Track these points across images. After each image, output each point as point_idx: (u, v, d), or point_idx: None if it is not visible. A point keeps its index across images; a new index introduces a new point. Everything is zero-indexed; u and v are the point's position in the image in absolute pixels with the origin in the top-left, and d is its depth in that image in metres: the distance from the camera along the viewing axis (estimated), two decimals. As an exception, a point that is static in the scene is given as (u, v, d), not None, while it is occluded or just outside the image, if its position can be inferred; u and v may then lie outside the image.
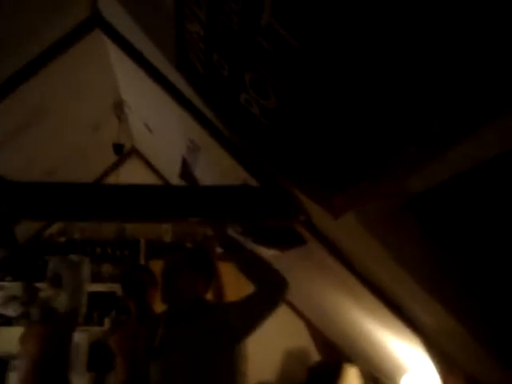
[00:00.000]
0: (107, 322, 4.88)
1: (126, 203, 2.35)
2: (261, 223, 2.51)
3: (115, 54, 3.29)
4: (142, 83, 3.36)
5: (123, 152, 4.15)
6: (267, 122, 1.69)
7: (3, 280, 4.93)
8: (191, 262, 2.26)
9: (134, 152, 5.40)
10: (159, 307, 2.80)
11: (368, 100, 1.19)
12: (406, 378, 2.88)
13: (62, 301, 3.22)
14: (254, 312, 2.04)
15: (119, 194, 2.37)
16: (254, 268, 2.12)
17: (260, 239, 3.35)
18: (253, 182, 2.57)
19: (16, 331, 4.84)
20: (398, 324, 2.55)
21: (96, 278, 5.02)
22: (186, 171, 3.77)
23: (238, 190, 2.42)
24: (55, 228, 5.24)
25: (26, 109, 3.09)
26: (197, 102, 2.54)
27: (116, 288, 4.82)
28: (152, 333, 2.26)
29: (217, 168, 3.06)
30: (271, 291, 2.05)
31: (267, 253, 3.69)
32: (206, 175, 3.42)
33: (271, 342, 4.42)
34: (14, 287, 5.00)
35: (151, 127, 4.06)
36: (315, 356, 4.80)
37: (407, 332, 2.57)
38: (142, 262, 4.98)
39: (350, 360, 4.14)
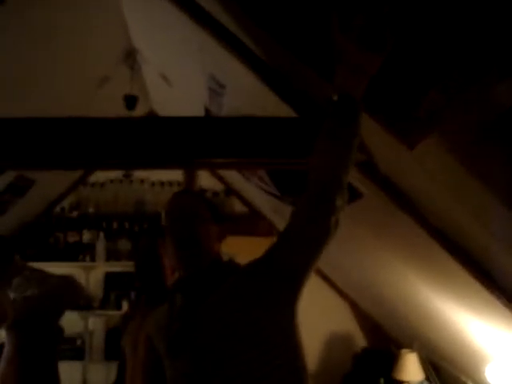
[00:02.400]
0: (125, 306, 4.38)
1: (131, 142, 1.81)
2: (301, 165, 1.91)
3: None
4: (155, 18, 2.83)
5: (135, 106, 3.59)
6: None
7: (11, 259, 4.48)
8: (212, 208, 1.57)
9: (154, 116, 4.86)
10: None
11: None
12: (491, 368, 2.27)
13: None
14: (309, 234, 1.33)
15: (124, 131, 1.82)
16: (336, 169, 1.33)
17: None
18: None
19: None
20: (484, 296, 1.95)
21: (112, 255, 4.53)
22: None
23: (270, 122, 1.83)
24: (67, 202, 4.75)
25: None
26: (221, 16, 1.98)
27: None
28: (163, 325, 1.53)
29: (246, 107, 2.48)
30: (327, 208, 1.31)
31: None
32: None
33: (311, 327, 3.88)
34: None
35: (169, 77, 3.50)
36: (361, 342, 4.42)
37: (496, 306, 1.96)
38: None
39: (402, 346, 3.58)
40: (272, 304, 1.36)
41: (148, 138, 1.82)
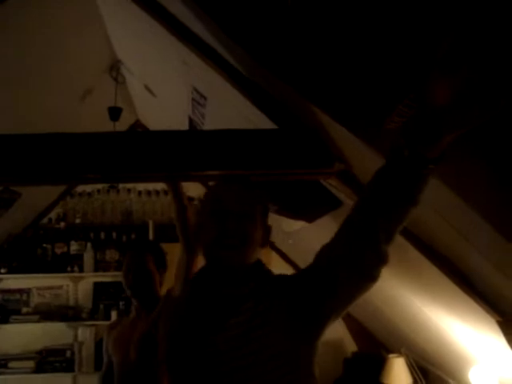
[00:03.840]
0: (114, 316, 4.37)
1: (112, 155, 1.81)
2: (283, 176, 1.93)
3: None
4: (137, 30, 2.85)
5: (119, 118, 3.59)
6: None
7: (-2, 272, 4.47)
8: (265, 202, 1.43)
9: (139, 126, 4.87)
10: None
11: None
12: (475, 371, 2.29)
13: None
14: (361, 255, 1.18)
15: (109, 145, 1.83)
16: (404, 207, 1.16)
17: (284, 206, 2.81)
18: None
19: (15, 329, 4.45)
20: (465, 300, 1.97)
21: (100, 266, 4.53)
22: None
23: (251, 134, 1.85)
24: (54, 213, 4.74)
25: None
26: (201, 31, 1.99)
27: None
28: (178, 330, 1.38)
29: (227, 118, 2.50)
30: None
31: (291, 227, 3.15)
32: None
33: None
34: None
35: (152, 88, 3.51)
36: (351, 346, 4.44)
37: (477, 311, 1.98)
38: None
39: (391, 350, 3.60)
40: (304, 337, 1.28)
41: (132, 152, 1.83)
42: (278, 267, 4.58)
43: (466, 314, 2.14)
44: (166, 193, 4.53)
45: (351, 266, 1.19)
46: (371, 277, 1.20)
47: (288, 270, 4.47)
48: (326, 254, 1.26)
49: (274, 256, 4.63)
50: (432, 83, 0.90)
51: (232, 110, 2.32)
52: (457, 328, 2.34)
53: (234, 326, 1.24)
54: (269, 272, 1.41)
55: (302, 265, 4.12)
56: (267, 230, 1.41)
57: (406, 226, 1.78)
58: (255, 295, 1.29)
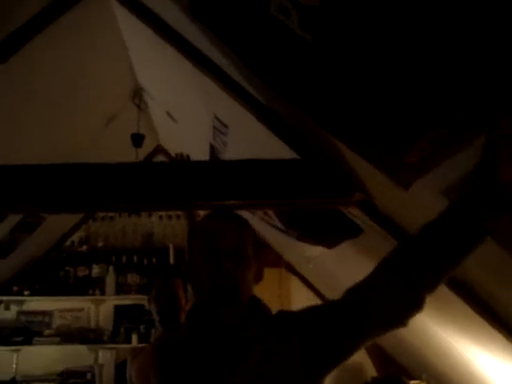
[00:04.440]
0: (135, 339, 4.39)
1: (135, 185, 1.86)
2: (304, 205, 1.96)
3: (125, 25, 2.83)
4: (159, 58, 2.92)
5: (142, 144, 3.66)
6: (310, 37, 1.16)
7: (22, 294, 4.53)
8: (255, 236, 1.35)
9: (161, 151, 4.94)
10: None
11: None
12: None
13: None
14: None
15: (127, 175, 1.88)
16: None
17: (305, 232, 2.83)
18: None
19: (37, 350, 4.50)
20: (490, 332, 1.96)
21: (122, 289, 4.58)
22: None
23: (273, 164, 1.89)
24: (76, 237, 4.81)
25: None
26: (223, 63, 2.04)
27: (144, 300, 4.33)
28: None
29: (249, 147, 2.54)
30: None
31: (312, 252, 3.16)
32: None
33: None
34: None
35: (174, 115, 3.58)
36: (371, 371, 4.33)
37: (502, 343, 1.97)
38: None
39: (413, 376, 3.56)
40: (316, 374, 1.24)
41: (155, 181, 1.87)
42: (298, 291, 4.59)
43: (491, 344, 2.13)
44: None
45: (384, 313, 1.15)
46: (403, 324, 1.17)
47: (308, 294, 4.49)
48: (356, 296, 1.19)
49: (294, 280, 4.63)
50: (500, 160, 0.90)
51: (253, 139, 2.36)
52: (481, 358, 2.32)
53: (243, 373, 1.18)
54: (269, 311, 1.32)
55: (323, 290, 4.10)
56: (261, 263, 1.32)
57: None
58: (261, 338, 1.22)
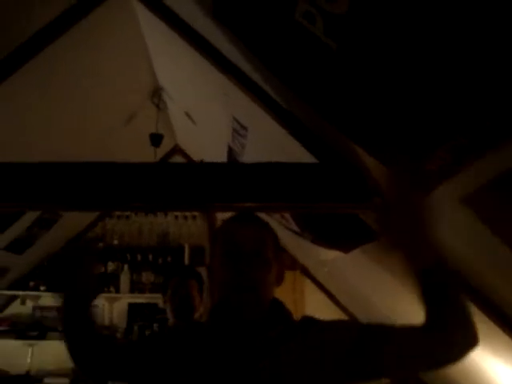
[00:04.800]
0: (148, 337, 4.42)
1: (153, 185, 1.87)
2: (322, 209, 1.96)
3: (146, 25, 2.85)
4: (179, 59, 2.93)
5: (160, 144, 3.69)
6: (335, 45, 1.16)
7: (38, 289, 4.58)
8: (276, 238, 1.36)
9: (178, 151, 4.96)
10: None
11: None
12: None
13: None
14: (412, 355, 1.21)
15: (146, 175, 1.89)
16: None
17: (320, 236, 2.82)
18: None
19: (51, 345, 4.54)
20: (502, 337, 1.94)
21: (136, 287, 4.61)
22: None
23: (291, 167, 1.88)
24: (92, 234, 4.86)
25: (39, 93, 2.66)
26: (243, 65, 2.05)
27: (158, 299, 4.36)
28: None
29: (267, 149, 2.54)
30: (462, 338, 1.19)
31: (328, 255, 3.15)
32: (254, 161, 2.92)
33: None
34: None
35: (193, 115, 3.59)
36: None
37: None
38: (186, 269, 4.51)
39: (423, 381, 3.53)
40: None
41: (174, 182, 1.88)
42: (313, 294, 4.59)
43: (502, 350, 2.11)
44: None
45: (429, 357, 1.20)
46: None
47: (322, 298, 4.47)
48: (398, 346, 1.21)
49: (309, 283, 4.63)
50: None
51: (272, 142, 2.36)
52: (490, 362, 2.30)
53: (265, 369, 1.19)
54: (290, 314, 1.34)
55: (337, 294, 4.06)
56: (282, 265, 1.34)
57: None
58: (284, 340, 1.23)
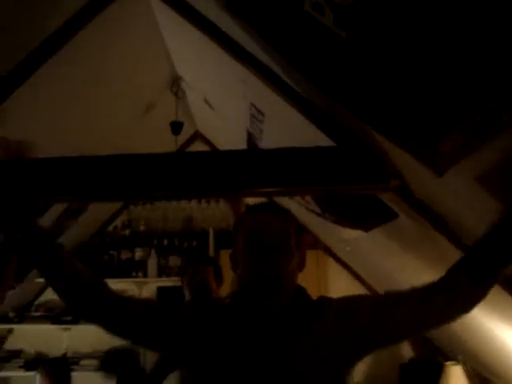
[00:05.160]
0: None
1: (176, 174, 1.95)
2: (341, 191, 2.01)
3: (162, 15, 2.90)
4: (196, 48, 2.98)
5: (181, 131, 3.76)
6: (345, 34, 1.20)
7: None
8: (297, 225, 1.39)
9: (199, 136, 5.03)
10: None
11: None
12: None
13: None
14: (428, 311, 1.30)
15: (168, 165, 1.96)
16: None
17: (341, 217, 2.88)
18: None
19: (85, 329, 4.69)
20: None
21: (163, 271, 4.73)
22: (252, 147, 3.33)
23: (310, 151, 1.94)
24: (119, 221, 4.97)
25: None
26: (260, 54, 2.09)
27: (184, 282, 4.48)
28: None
29: (285, 133, 2.59)
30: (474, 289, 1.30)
31: (349, 234, 3.21)
32: (272, 146, 2.97)
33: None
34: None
35: (212, 102, 3.65)
36: (408, 352, 4.38)
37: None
38: (212, 253, 4.60)
39: (450, 358, 3.58)
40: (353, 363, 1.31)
41: (197, 170, 1.95)
42: (336, 273, 4.65)
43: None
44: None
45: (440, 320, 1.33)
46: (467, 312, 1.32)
47: (346, 276, 4.52)
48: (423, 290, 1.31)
49: (332, 262, 4.69)
50: None
51: (289, 127, 2.41)
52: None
53: (299, 352, 1.24)
54: (310, 299, 1.36)
55: (360, 271, 4.13)
56: (303, 251, 1.36)
57: (463, 243, 1.82)
58: (310, 324, 1.28)
